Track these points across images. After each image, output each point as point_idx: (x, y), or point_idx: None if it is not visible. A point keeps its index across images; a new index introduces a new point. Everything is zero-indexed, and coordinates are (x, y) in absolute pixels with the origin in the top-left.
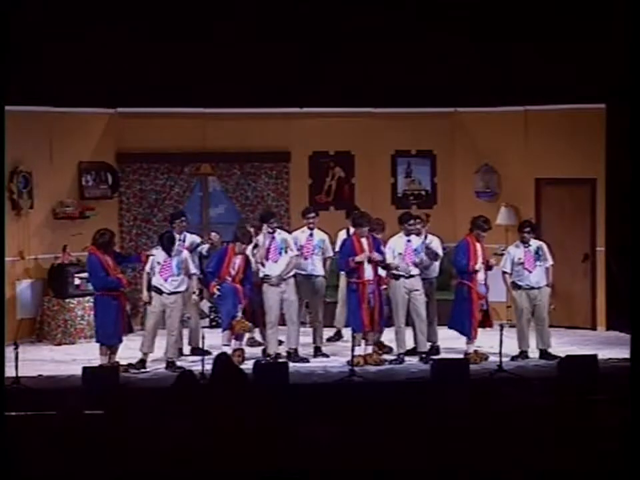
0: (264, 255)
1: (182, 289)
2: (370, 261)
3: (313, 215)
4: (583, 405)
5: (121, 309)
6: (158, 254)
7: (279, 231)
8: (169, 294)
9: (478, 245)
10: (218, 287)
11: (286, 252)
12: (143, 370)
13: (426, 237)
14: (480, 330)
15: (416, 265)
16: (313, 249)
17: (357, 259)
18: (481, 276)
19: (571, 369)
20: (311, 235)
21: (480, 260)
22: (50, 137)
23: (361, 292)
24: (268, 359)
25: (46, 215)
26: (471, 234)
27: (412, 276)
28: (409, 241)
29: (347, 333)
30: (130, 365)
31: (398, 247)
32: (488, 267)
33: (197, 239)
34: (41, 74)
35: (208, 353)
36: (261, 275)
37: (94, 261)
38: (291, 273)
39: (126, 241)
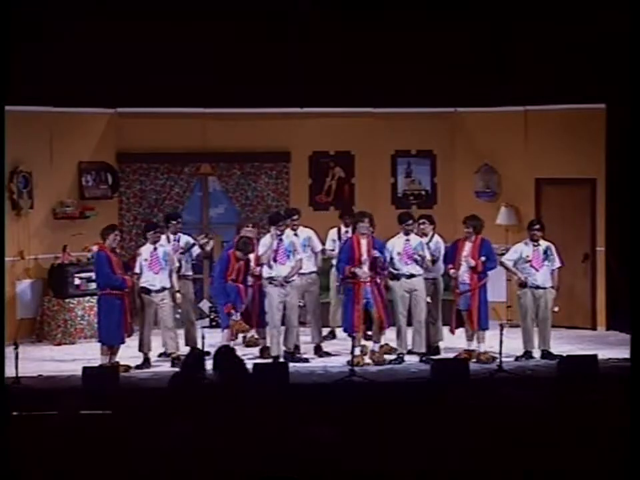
0: (271, 256)
1: (168, 285)
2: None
3: (296, 217)
4: (582, 405)
5: (124, 309)
6: (143, 251)
7: (287, 233)
8: (156, 292)
9: (467, 245)
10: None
11: (293, 255)
12: (146, 369)
13: (431, 238)
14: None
15: (416, 262)
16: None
17: (356, 270)
18: (464, 275)
19: (571, 368)
20: (296, 234)
21: (467, 258)
22: (50, 137)
23: (355, 292)
24: (270, 359)
25: (46, 215)
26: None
27: (413, 276)
28: (407, 240)
29: (340, 332)
30: (136, 367)
31: (397, 246)
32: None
33: (191, 240)
34: (41, 74)
35: (207, 353)
36: (265, 275)
37: (101, 257)
38: (295, 277)
39: (126, 241)
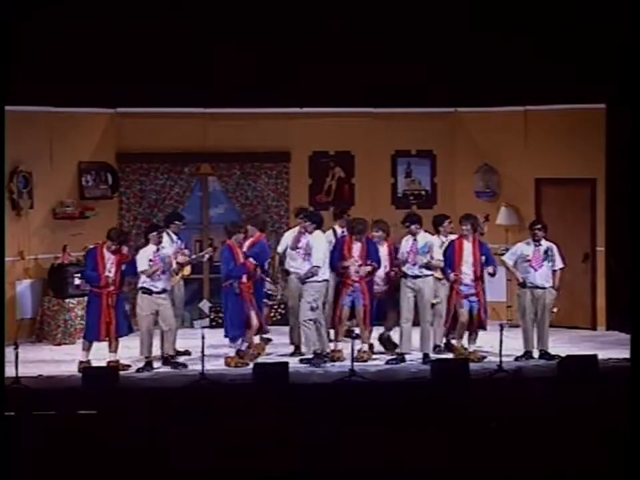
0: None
1: (169, 287)
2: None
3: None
4: (582, 405)
5: (101, 306)
6: (148, 249)
7: (306, 233)
8: (158, 293)
9: (467, 244)
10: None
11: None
12: (147, 372)
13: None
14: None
15: (420, 265)
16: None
17: (345, 264)
18: (467, 277)
19: (571, 368)
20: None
21: (469, 259)
22: (50, 137)
23: (340, 290)
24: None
25: (46, 215)
26: (461, 236)
27: (418, 276)
28: (414, 240)
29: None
30: (137, 370)
31: (404, 246)
32: (490, 274)
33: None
34: (41, 74)
35: (188, 353)
36: (293, 270)
37: (90, 254)
38: (309, 281)
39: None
